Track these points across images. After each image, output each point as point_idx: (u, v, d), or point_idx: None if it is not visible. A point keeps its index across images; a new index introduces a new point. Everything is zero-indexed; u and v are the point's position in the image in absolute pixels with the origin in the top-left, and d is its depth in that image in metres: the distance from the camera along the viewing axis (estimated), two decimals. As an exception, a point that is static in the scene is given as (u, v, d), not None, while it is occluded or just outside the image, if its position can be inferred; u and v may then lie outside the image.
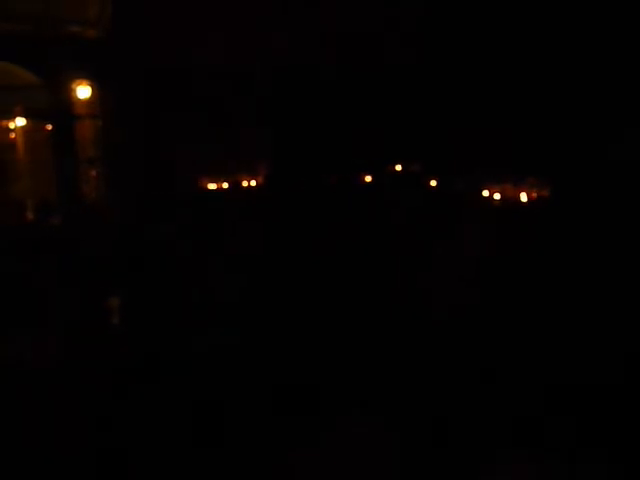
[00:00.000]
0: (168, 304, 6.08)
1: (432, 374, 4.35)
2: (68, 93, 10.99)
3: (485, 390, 4.06)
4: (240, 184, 11.16)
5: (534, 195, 10.15)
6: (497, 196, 10.92)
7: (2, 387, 4.45)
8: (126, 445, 3.57)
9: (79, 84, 11.04)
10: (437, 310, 5.55)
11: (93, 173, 11.26)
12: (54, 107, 11.01)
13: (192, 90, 10.86)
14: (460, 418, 3.75)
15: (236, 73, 11.22)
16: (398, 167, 12.70)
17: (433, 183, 11.96)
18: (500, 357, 4.53)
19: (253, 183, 11.26)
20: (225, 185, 11.01)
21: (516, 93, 11.75)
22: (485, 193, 11.04)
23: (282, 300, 5.98)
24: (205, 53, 10.95)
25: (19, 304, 6.18)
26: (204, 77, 10.88)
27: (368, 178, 12.33)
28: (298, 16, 11.67)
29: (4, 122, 11.43)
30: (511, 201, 10.56)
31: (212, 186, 10.94)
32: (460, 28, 12.36)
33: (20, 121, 11.76)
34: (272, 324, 5.44)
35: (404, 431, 3.60)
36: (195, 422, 3.87)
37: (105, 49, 10.72)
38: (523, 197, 10.52)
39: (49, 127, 11.41)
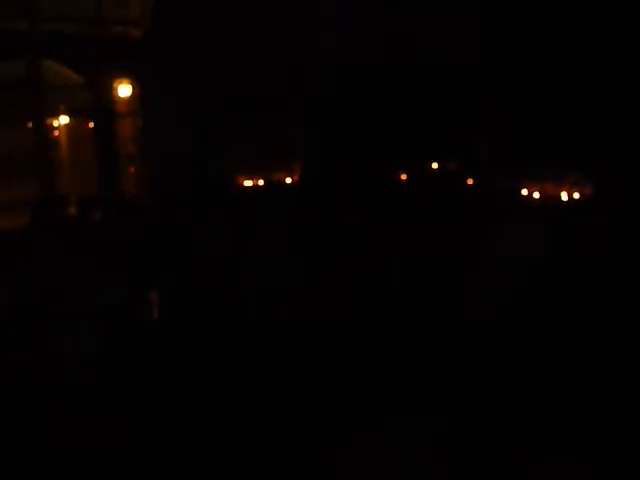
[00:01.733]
0: (205, 298, 6.16)
1: (475, 375, 4.29)
2: (110, 92, 11.27)
3: (529, 392, 3.98)
4: (275, 181, 11.24)
5: (576, 194, 9.90)
6: (536, 195, 10.69)
7: (44, 378, 4.57)
8: (158, 439, 3.62)
9: (120, 83, 11.31)
10: (476, 311, 5.46)
11: (132, 169, 11.52)
12: (96, 105, 11.30)
13: (231, 88, 10.98)
14: (501, 421, 3.70)
15: (275, 72, 11.30)
16: (434, 165, 12.58)
17: (470, 181, 11.80)
18: (543, 360, 4.43)
19: (288, 180, 11.33)
20: (261, 182, 11.11)
21: (557, 90, 11.49)
22: (524, 192, 10.83)
23: (319, 296, 5.99)
24: (244, 52, 11.06)
25: (62, 298, 6.36)
26: (243, 76, 10.99)
27: (404, 176, 12.25)
28: (343, 16, 11.67)
29: (49, 120, 11.78)
30: (551, 200, 10.32)
31: (248, 183, 11.06)
32: (505, 29, 12.19)
33: (64, 119, 12.12)
34: (309, 319, 5.45)
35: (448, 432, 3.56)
36: (229, 413, 3.90)
37: (146, 49, 10.95)
38: (564, 196, 10.28)
39: (91, 125, 11.73)
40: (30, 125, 11.59)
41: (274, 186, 11.13)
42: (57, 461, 3.42)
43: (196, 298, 6.26)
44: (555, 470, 3.11)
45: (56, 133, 12.73)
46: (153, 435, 3.69)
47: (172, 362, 4.90)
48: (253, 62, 11.30)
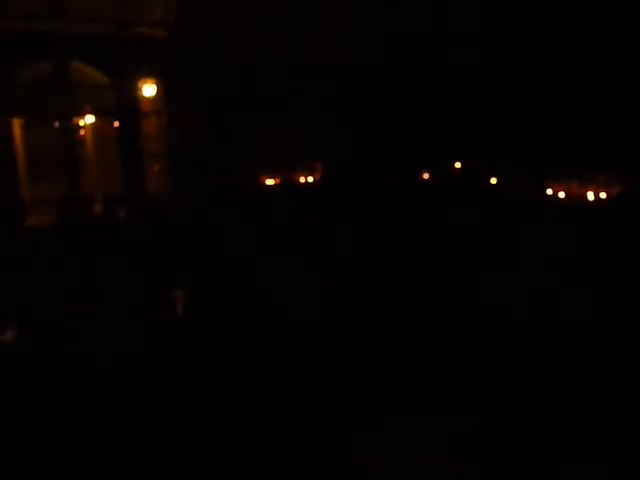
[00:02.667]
0: (230, 295, 6.19)
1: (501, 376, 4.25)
2: (134, 91, 11.38)
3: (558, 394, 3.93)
4: (296, 180, 11.26)
5: (603, 194, 9.71)
6: (561, 195, 10.53)
7: (72, 372, 4.64)
8: (193, 437, 3.66)
9: (145, 82, 11.41)
10: (502, 310, 5.40)
11: (156, 168, 11.63)
12: (121, 105, 11.43)
13: (253, 88, 11.03)
14: (524, 420, 3.66)
15: (297, 72, 11.32)
16: (457, 164, 12.48)
17: (493, 181, 11.67)
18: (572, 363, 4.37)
19: (310, 179, 11.33)
20: (282, 181, 11.13)
21: (582, 88, 11.29)
22: (548, 191, 10.67)
23: (343, 294, 5.97)
24: (266, 52, 11.11)
25: (88, 293, 6.45)
26: (265, 75, 11.03)
27: (426, 175, 12.17)
28: (362, 16, 11.66)
29: (75, 120, 11.96)
30: (577, 200, 10.15)
31: (270, 182, 11.09)
32: (521, 29, 12.05)
33: (89, 119, 12.31)
34: (335, 317, 5.45)
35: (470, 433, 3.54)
36: (258, 411, 3.92)
37: (170, 49, 11.04)
38: (590, 196, 10.09)
39: (116, 124, 11.87)
40: (57, 125, 11.79)
41: (295, 185, 11.15)
42: (92, 454, 3.49)
43: (221, 297, 6.30)
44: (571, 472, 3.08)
45: (82, 133, 12.93)
46: (179, 430, 3.74)
47: (196, 360, 4.94)
48: (275, 62, 11.34)
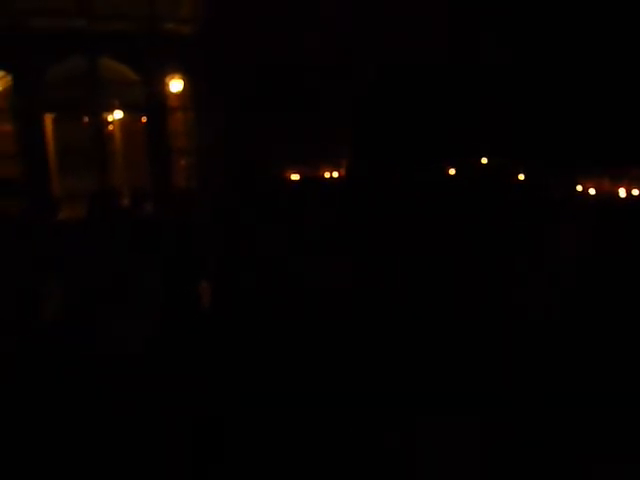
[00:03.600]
0: (256, 290, 6.22)
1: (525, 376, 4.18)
2: (162, 87, 11.53)
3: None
4: (321, 175, 11.25)
5: (635, 190, 9.48)
6: (592, 191, 10.31)
7: (99, 366, 4.73)
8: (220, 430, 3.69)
9: (172, 79, 11.55)
10: (528, 310, 5.31)
11: (183, 162, 11.77)
12: (149, 101, 11.58)
13: (279, 84, 11.06)
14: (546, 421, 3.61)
15: (322, 69, 11.31)
16: (484, 160, 12.32)
17: (521, 177, 11.49)
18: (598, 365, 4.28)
19: (335, 175, 11.32)
20: (308, 176, 11.14)
21: (613, 83, 11.04)
22: (578, 188, 10.46)
23: (372, 292, 5.94)
24: (294, 49, 11.12)
25: (115, 288, 6.56)
26: (292, 71, 11.04)
27: (452, 171, 12.05)
28: (391, 14, 11.60)
29: (104, 115, 12.16)
30: (608, 197, 9.92)
31: (295, 177, 11.11)
32: (550, 25, 11.87)
33: (118, 114, 12.51)
34: (361, 314, 5.43)
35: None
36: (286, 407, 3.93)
37: (197, 45, 11.14)
38: (622, 192, 9.86)
39: (144, 120, 12.04)
40: (87, 120, 12.02)
41: (321, 181, 11.14)
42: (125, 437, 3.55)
43: (246, 287, 6.33)
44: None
45: (110, 128, 13.15)
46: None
47: (219, 350, 4.97)
48: (302, 58, 11.35)
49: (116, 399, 4.02)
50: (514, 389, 3.98)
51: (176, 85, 11.55)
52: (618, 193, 9.74)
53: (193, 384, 4.27)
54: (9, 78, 10.44)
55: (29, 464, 3.34)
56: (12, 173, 10.50)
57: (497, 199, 9.69)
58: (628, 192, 9.73)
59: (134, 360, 4.75)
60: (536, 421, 3.62)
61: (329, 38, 11.26)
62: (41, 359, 4.80)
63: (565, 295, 5.50)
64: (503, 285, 5.86)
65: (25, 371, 4.44)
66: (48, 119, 11.65)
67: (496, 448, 3.38)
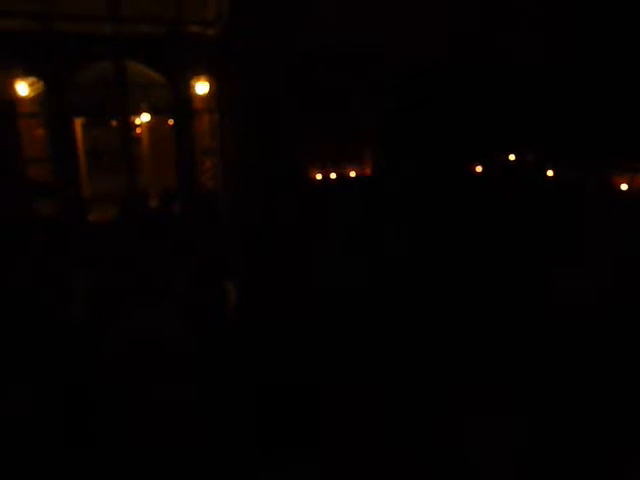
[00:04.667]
0: (282, 287, 6.24)
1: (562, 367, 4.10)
2: (188, 89, 11.64)
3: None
4: (347, 175, 11.21)
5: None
6: (624, 187, 10.05)
7: (130, 357, 4.80)
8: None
9: (198, 81, 11.66)
10: (562, 310, 5.21)
11: (208, 164, 11.87)
12: (175, 103, 11.71)
13: (304, 84, 11.07)
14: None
15: (349, 66, 11.29)
16: (511, 157, 12.12)
17: (550, 173, 11.27)
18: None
19: (361, 174, 11.26)
20: (333, 175, 11.11)
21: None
22: (610, 183, 10.20)
23: (402, 290, 5.90)
24: (318, 49, 11.13)
25: (143, 286, 6.65)
26: (317, 71, 11.05)
27: (479, 168, 11.88)
28: (424, 12, 11.52)
29: (132, 118, 12.35)
30: (640, 192, 9.66)
31: (319, 176, 11.10)
32: (583, 23, 11.65)
33: (145, 117, 12.70)
34: (393, 312, 5.39)
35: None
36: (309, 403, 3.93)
37: (222, 47, 11.23)
38: (655, 187, 9.59)
39: (170, 122, 12.19)
40: (115, 123, 12.23)
41: (346, 180, 11.10)
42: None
43: (272, 284, 6.35)
44: None
45: (138, 130, 13.37)
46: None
47: (243, 349, 5.00)
48: (327, 57, 11.34)
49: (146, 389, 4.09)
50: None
51: (202, 87, 11.65)
52: (652, 188, 9.48)
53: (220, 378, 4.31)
54: (40, 84, 10.69)
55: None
56: (45, 176, 10.75)
57: (526, 196, 9.52)
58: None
59: (161, 356, 4.81)
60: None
61: (354, 36, 11.23)
62: (77, 352, 4.91)
63: (605, 295, 5.39)
64: (538, 283, 5.75)
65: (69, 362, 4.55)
66: (78, 123, 11.90)
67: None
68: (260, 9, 11.25)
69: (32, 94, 10.80)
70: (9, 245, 7.83)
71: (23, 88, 10.66)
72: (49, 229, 9.50)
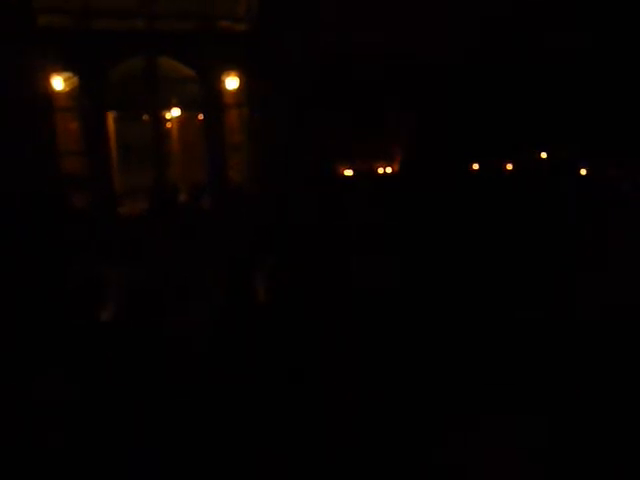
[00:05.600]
0: (312, 283, 6.26)
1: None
2: (218, 84, 11.75)
3: None
4: (375, 171, 11.18)
5: None
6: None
7: (166, 348, 4.89)
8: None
9: (228, 75, 11.74)
10: (593, 311, 5.10)
11: (237, 158, 11.97)
12: (205, 98, 11.83)
13: (333, 79, 11.06)
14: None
15: (377, 62, 11.23)
16: (543, 154, 11.91)
17: (583, 171, 11.04)
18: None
19: (389, 170, 11.22)
20: (361, 172, 11.09)
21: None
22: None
23: (425, 289, 5.87)
24: (347, 43, 11.10)
25: (175, 279, 6.75)
26: (346, 66, 11.03)
27: (509, 166, 11.70)
28: (446, 5, 11.41)
29: (163, 113, 12.52)
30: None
31: (348, 172, 11.09)
32: (621, 14, 11.37)
33: (175, 111, 12.85)
34: (424, 313, 5.36)
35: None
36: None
37: (252, 42, 11.29)
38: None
39: (200, 117, 12.32)
40: (146, 118, 12.41)
41: (374, 176, 11.06)
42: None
43: (302, 280, 6.37)
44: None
45: (169, 125, 13.53)
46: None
47: (272, 344, 5.03)
48: (355, 52, 11.31)
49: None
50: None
51: (232, 82, 11.73)
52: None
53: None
54: (75, 79, 10.91)
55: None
56: (78, 169, 10.99)
57: (558, 194, 9.35)
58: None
59: (194, 350, 4.88)
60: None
61: (384, 33, 11.17)
62: (108, 346, 5.01)
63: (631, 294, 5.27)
64: (575, 286, 5.65)
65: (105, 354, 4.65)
66: (110, 117, 12.11)
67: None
68: (289, 4, 11.27)
69: (67, 88, 11.03)
70: (43, 238, 8.01)
71: (59, 83, 10.90)
72: (82, 222, 9.71)
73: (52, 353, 4.61)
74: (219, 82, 11.79)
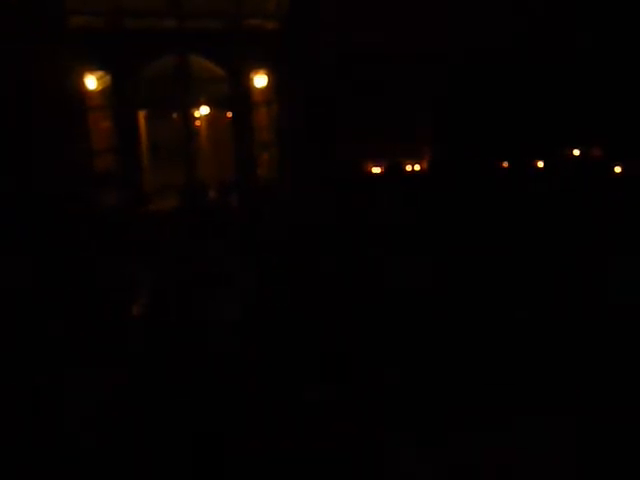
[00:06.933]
0: (338, 282, 6.26)
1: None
2: (247, 82, 11.80)
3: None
4: (404, 168, 11.10)
5: None
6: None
7: (190, 343, 4.94)
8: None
9: (257, 73, 11.79)
10: (622, 314, 4.98)
11: (266, 156, 12.02)
12: (234, 96, 11.91)
13: (362, 75, 11.01)
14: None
15: (404, 58, 11.15)
16: (576, 152, 11.64)
17: (618, 169, 10.76)
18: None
19: (417, 167, 11.13)
20: (389, 169, 11.02)
21: None
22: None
23: (454, 289, 5.81)
24: (376, 40, 11.04)
25: (204, 275, 6.82)
26: (373, 62, 10.97)
27: (540, 163, 11.48)
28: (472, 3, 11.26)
29: (192, 111, 12.65)
30: None
31: (376, 170, 11.04)
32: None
33: (204, 109, 12.98)
34: (455, 311, 5.32)
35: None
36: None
37: (281, 40, 11.31)
38: None
39: (229, 114, 12.40)
40: (175, 116, 12.56)
41: (403, 173, 10.98)
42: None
43: (330, 277, 6.37)
44: None
45: (198, 123, 13.67)
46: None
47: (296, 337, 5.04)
48: (384, 49, 11.24)
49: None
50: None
51: (260, 80, 11.78)
52: None
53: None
54: (108, 78, 11.10)
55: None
56: (109, 166, 11.19)
57: (592, 193, 9.14)
58: None
59: (223, 346, 4.93)
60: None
61: (414, 33, 11.08)
62: (140, 340, 5.10)
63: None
64: (609, 286, 5.52)
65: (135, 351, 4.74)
66: (140, 116, 12.29)
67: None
68: (319, 2, 11.26)
69: (99, 87, 11.24)
70: (75, 235, 8.17)
71: (91, 81, 11.11)
72: (112, 219, 9.88)
73: (85, 348, 4.71)
74: (248, 80, 11.84)
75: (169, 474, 3.29)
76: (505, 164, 11.30)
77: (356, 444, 3.44)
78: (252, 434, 3.58)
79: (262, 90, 11.93)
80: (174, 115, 12.79)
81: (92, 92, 11.21)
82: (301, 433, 3.58)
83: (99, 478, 3.27)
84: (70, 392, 4.05)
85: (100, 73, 11.08)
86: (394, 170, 10.99)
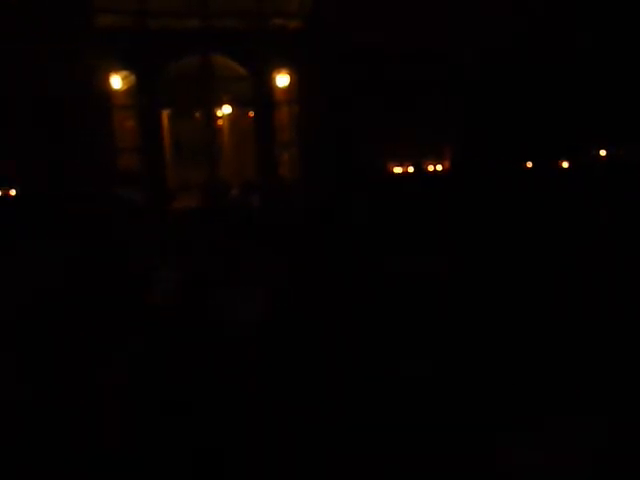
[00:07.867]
0: (361, 281, 6.25)
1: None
2: (269, 82, 11.85)
3: None
4: (425, 168, 11.04)
5: None
6: None
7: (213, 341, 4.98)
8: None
9: (279, 73, 11.83)
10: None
11: (287, 155, 12.06)
12: (256, 95, 11.97)
13: (385, 76, 10.97)
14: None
15: (427, 59, 11.08)
16: (602, 152, 11.44)
17: (646, 170, 10.53)
18: None
19: (439, 168, 11.06)
20: (411, 169, 10.99)
21: None
22: None
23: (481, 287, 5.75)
24: (398, 39, 10.99)
25: (225, 273, 6.86)
26: (397, 63, 10.92)
27: (565, 164, 11.31)
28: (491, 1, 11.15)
29: (215, 110, 12.75)
30: None
31: (398, 170, 10.99)
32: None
33: (227, 109, 13.06)
34: (479, 310, 5.27)
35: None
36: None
37: (304, 39, 11.33)
38: None
39: (251, 114, 12.47)
40: (198, 115, 12.68)
41: (424, 174, 10.92)
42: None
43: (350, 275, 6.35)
44: None
45: (220, 122, 13.77)
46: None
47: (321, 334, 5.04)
48: (406, 49, 11.19)
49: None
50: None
51: (282, 79, 11.82)
52: None
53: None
54: (132, 77, 11.25)
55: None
56: (134, 165, 11.35)
57: (618, 193, 8.96)
58: None
59: (244, 342, 4.96)
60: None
61: (436, 31, 11.01)
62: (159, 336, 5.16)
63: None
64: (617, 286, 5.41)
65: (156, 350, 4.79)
66: (164, 115, 12.43)
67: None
68: (342, 1, 11.24)
69: (124, 87, 11.40)
70: (101, 232, 8.28)
71: (117, 81, 11.27)
72: (136, 217, 10.01)
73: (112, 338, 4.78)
74: (270, 79, 11.90)
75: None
76: (529, 164, 11.16)
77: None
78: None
79: (284, 89, 11.97)
80: (197, 114, 12.90)
81: (117, 91, 11.37)
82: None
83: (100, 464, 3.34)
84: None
85: (125, 73, 11.24)
86: (416, 170, 10.93)
